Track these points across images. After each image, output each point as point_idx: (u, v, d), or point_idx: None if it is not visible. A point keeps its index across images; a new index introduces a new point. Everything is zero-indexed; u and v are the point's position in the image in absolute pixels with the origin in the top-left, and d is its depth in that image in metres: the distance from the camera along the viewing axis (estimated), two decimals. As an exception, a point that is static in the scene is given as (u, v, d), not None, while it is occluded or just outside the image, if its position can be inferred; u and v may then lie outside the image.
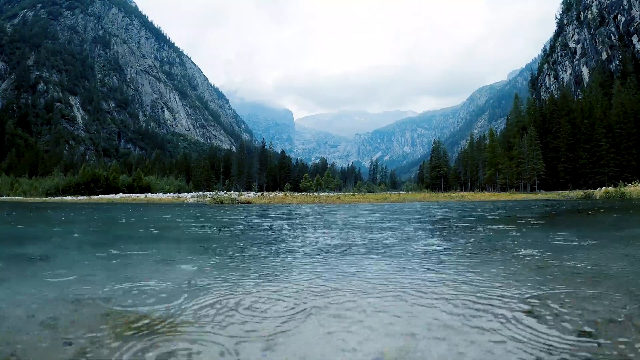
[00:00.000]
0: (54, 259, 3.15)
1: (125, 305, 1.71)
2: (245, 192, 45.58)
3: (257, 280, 2.23)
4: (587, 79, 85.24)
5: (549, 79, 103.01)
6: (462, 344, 1.24)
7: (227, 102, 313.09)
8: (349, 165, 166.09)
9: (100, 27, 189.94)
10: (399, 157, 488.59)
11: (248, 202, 21.13)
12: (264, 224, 7.07)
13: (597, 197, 21.23)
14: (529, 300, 1.73)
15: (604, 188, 25.37)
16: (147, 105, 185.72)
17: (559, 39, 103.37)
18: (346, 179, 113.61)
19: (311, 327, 1.41)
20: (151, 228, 6.43)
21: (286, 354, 1.18)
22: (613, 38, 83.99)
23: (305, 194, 43.48)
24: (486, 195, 33.51)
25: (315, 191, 57.84)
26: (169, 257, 3.18)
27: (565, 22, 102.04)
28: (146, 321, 1.48)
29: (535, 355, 1.15)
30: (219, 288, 2.03)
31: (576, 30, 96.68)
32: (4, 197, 46.64)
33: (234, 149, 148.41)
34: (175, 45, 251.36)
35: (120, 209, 15.02)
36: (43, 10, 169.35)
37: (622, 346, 1.20)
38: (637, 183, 26.31)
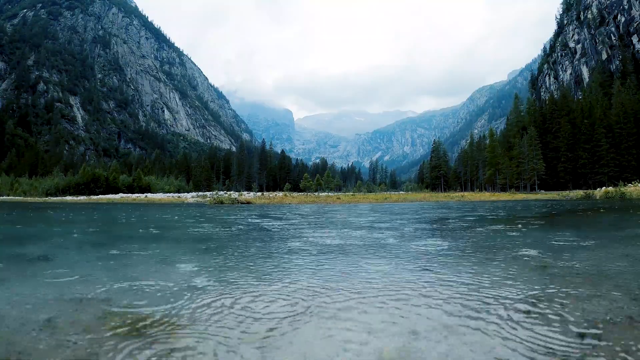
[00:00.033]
0: (54, 259, 3.15)
1: (125, 306, 1.71)
2: (245, 192, 45.58)
3: (257, 280, 2.23)
4: (587, 79, 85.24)
5: (549, 79, 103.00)
6: (462, 344, 1.24)
7: (227, 102, 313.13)
8: (349, 165, 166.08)
9: (100, 27, 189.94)
10: (399, 157, 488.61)
11: (248, 202, 21.13)
12: (264, 224, 7.07)
13: (597, 197, 21.23)
14: (528, 300, 1.73)
15: (604, 188, 25.37)
16: (147, 105, 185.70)
17: (559, 39, 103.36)
18: (346, 179, 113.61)
19: (311, 327, 1.41)
20: (151, 228, 6.43)
21: (286, 354, 1.18)
22: (613, 38, 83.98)
23: (305, 194, 43.48)
24: (486, 195, 33.52)
25: (315, 191, 57.84)
26: (168, 257, 3.18)
27: (565, 22, 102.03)
28: (146, 321, 1.48)
29: (535, 355, 1.15)
30: (219, 288, 2.03)
31: (576, 30, 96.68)
32: (4, 197, 46.64)
33: (234, 149, 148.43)
34: (175, 45, 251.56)
35: (120, 209, 15.01)
36: (43, 10, 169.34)
37: (622, 346, 1.20)
38: (637, 183, 26.31)
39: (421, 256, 3.07)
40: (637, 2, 78.99)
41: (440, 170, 74.65)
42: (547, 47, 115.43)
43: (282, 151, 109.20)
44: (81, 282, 2.21)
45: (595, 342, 1.24)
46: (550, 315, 1.50)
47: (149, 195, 40.83)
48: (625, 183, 29.29)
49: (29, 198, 43.80)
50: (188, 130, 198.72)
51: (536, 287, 1.97)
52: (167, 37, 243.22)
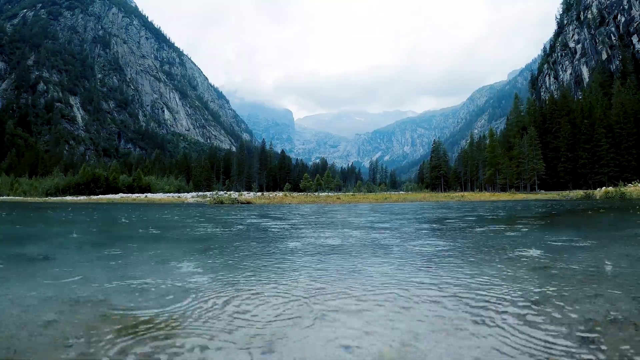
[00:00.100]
0: (54, 259, 3.15)
1: (125, 306, 1.71)
2: (245, 192, 45.58)
3: (257, 281, 2.23)
4: (587, 79, 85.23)
5: (549, 79, 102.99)
6: (462, 344, 1.24)
7: (227, 102, 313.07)
8: (349, 165, 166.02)
9: (100, 27, 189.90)
10: (399, 157, 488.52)
11: (248, 202, 21.14)
12: (264, 224, 7.07)
13: (597, 197, 21.23)
14: (528, 300, 1.73)
15: (604, 188, 25.37)
16: (147, 105, 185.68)
17: (559, 39, 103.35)
18: (346, 179, 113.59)
19: (311, 327, 1.42)
20: (151, 228, 6.43)
21: (286, 354, 1.18)
22: (613, 38, 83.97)
23: (305, 194, 43.48)
24: (486, 195, 33.52)
25: (315, 191, 57.83)
26: (168, 257, 3.18)
27: (565, 22, 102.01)
28: (145, 321, 1.48)
29: (535, 355, 1.15)
30: (219, 288, 2.03)
31: (576, 30, 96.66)
32: (4, 197, 46.63)
33: (234, 149, 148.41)
34: (175, 45, 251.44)
35: (120, 209, 15.02)
36: (43, 10, 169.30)
37: (622, 346, 1.20)
38: (637, 183, 26.30)
39: (421, 256, 3.07)
40: (637, 2, 78.98)
41: (440, 170, 74.64)
42: (547, 47, 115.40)
43: (282, 151, 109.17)
44: (81, 282, 2.21)
45: (595, 342, 1.24)
46: (550, 315, 1.50)
47: (149, 195, 40.83)
48: (625, 183, 29.29)
49: (29, 198, 43.80)
50: (188, 130, 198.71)
51: (536, 287, 1.97)
52: (167, 37, 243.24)
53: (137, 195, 40.88)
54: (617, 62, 78.63)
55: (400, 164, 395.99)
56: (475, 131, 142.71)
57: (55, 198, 42.09)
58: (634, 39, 78.72)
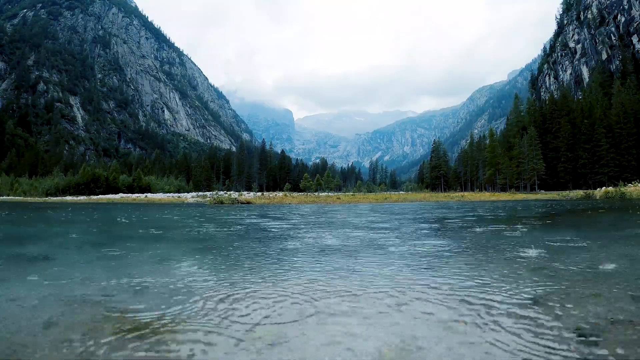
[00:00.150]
0: (53, 259, 3.15)
1: (125, 305, 1.71)
2: (245, 192, 45.58)
3: (257, 281, 2.23)
4: (587, 79, 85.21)
5: (549, 79, 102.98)
6: (462, 344, 1.24)
7: (227, 102, 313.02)
8: (349, 165, 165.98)
9: (100, 27, 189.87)
10: (399, 157, 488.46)
11: (248, 202, 21.14)
12: (264, 224, 7.07)
13: (597, 197, 21.23)
14: (528, 300, 1.73)
15: (604, 188, 25.37)
16: (147, 105, 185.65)
17: (559, 39, 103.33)
18: (346, 179, 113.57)
19: (311, 327, 1.42)
20: (151, 228, 6.43)
21: (285, 354, 1.18)
22: (613, 38, 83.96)
23: (305, 194, 43.48)
24: (486, 195, 33.52)
25: (315, 191, 57.83)
26: (168, 257, 3.18)
27: (565, 22, 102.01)
28: (145, 321, 1.48)
29: (535, 355, 1.15)
30: (219, 288, 2.03)
31: (576, 30, 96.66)
32: (4, 197, 46.63)
33: (234, 149, 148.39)
34: (175, 45, 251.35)
35: (120, 209, 15.02)
36: (43, 10, 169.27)
37: (622, 346, 1.20)
38: (637, 183, 26.30)
39: (421, 256, 3.07)
40: (637, 2, 78.97)
41: (440, 170, 74.64)
42: (547, 47, 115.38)
43: (282, 151, 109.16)
44: (81, 282, 2.21)
45: (595, 342, 1.24)
46: (550, 315, 1.50)
47: (149, 195, 40.83)
48: (625, 183, 29.28)
49: (29, 198, 43.80)
50: (188, 130, 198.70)
51: (536, 287, 1.97)
52: (167, 37, 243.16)
53: (137, 195, 40.89)
54: (617, 62, 78.63)
55: (400, 164, 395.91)
56: (475, 131, 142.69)
57: (55, 198, 42.09)
58: (634, 39, 78.72)
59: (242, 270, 2.58)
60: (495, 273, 2.34)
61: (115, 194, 45.24)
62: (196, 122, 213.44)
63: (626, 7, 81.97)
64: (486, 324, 1.41)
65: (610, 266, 2.50)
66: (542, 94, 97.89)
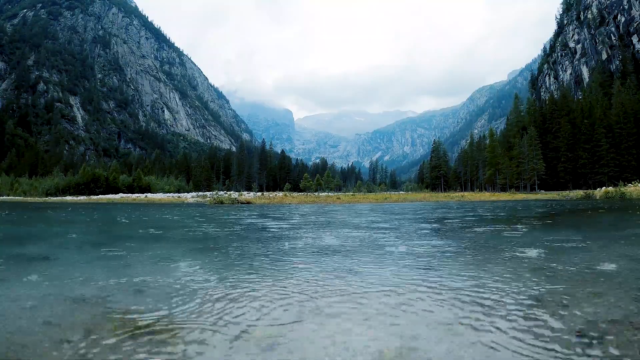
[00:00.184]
0: (53, 259, 3.15)
1: (125, 305, 1.71)
2: (245, 192, 45.58)
3: (256, 281, 2.23)
4: (587, 79, 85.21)
5: (549, 79, 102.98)
6: (462, 344, 1.24)
7: (227, 102, 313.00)
8: (349, 165, 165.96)
9: (100, 27, 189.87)
10: (399, 157, 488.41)
11: (248, 202, 21.14)
12: (264, 224, 7.07)
13: (597, 197, 21.23)
14: (528, 300, 1.73)
15: (604, 188, 25.37)
16: (147, 105, 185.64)
17: (559, 39, 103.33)
18: (346, 179, 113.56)
19: (310, 327, 1.42)
20: (151, 228, 6.43)
21: (285, 354, 1.18)
22: (613, 38, 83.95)
23: (305, 194, 43.48)
24: (486, 195, 33.52)
25: (315, 191, 57.83)
26: (168, 257, 3.18)
27: (565, 22, 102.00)
28: (145, 321, 1.48)
29: (535, 355, 1.15)
30: (219, 288, 2.03)
31: (576, 30, 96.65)
32: (4, 197, 46.63)
33: (234, 149, 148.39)
34: (175, 45, 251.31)
35: (120, 209, 15.02)
36: (43, 10, 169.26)
37: (622, 346, 1.20)
38: (637, 183, 26.30)
39: (421, 256, 3.07)
40: (637, 2, 78.97)
41: (440, 170, 74.63)
42: (547, 47, 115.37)
43: (282, 151, 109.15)
44: (81, 282, 2.21)
45: (595, 342, 1.24)
46: (550, 315, 1.50)
47: (149, 195, 40.83)
48: (625, 183, 29.28)
49: (29, 198, 43.80)
50: (188, 130, 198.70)
51: (536, 287, 1.97)
52: (167, 37, 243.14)
53: (137, 195, 40.89)
54: (617, 62, 78.62)
55: (400, 164, 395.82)
56: (475, 131, 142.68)
57: (55, 198, 42.09)
58: (634, 39, 78.71)
59: (242, 270, 2.58)
60: (495, 273, 2.34)
61: (115, 194, 45.24)
62: (196, 122, 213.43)
63: (626, 7, 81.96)
64: (486, 325, 1.41)
65: (610, 266, 2.50)
66: (542, 94, 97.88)
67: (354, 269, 2.56)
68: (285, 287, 2.04)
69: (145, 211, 13.51)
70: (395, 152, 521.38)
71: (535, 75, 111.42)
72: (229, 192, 39.96)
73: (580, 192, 27.45)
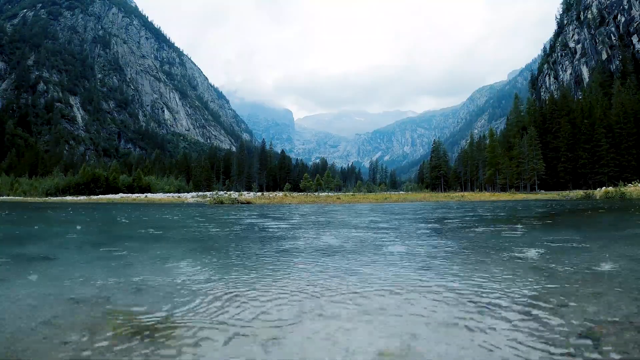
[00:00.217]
0: (53, 259, 3.15)
1: (125, 305, 1.71)
2: (245, 192, 45.58)
3: (256, 280, 2.23)
4: (587, 79, 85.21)
5: (549, 79, 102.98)
6: (462, 344, 1.24)
7: (227, 102, 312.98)
8: (349, 165, 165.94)
9: (100, 27, 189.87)
10: (399, 157, 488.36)
11: (248, 202, 21.14)
12: (264, 224, 7.07)
13: (597, 197, 21.23)
14: (528, 300, 1.73)
15: (604, 188, 25.37)
16: (147, 105, 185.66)
17: (559, 39, 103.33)
18: (346, 179, 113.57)
19: (310, 326, 1.42)
20: (151, 228, 6.43)
21: (285, 354, 1.18)
22: (613, 38, 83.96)
23: (305, 194, 43.48)
24: (486, 195, 33.51)
25: (315, 191, 57.83)
26: (168, 257, 3.18)
27: (565, 22, 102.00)
28: (145, 321, 1.48)
29: (535, 355, 1.15)
30: (218, 288, 2.03)
31: (576, 30, 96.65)
32: (4, 197, 46.63)
33: (234, 149, 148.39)
34: (175, 45, 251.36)
35: (120, 209, 15.01)
36: (43, 10, 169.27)
37: (622, 346, 1.20)
38: (637, 183, 26.30)
39: (421, 257, 3.07)
40: (637, 2, 78.96)
41: (440, 170, 74.64)
42: (547, 47, 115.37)
43: (282, 151, 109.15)
44: (81, 282, 2.21)
45: (595, 342, 1.24)
46: (549, 315, 1.50)
47: (149, 195, 40.84)
48: (625, 183, 29.28)
49: (29, 198, 43.80)
50: (188, 130, 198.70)
51: (536, 287, 1.97)
52: (167, 37, 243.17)
53: (137, 195, 40.89)
54: (617, 62, 78.61)
55: (400, 164, 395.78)
56: (475, 131, 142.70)
57: (55, 198, 42.09)
58: (634, 39, 78.71)
59: (242, 270, 2.58)
60: (494, 273, 2.34)
61: (115, 194, 45.24)
62: (196, 122, 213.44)
63: (626, 7, 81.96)
64: (486, 325, 1.41)
65: (610, 266, 2.50)
66: (542, 94, 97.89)
67: (354, 269, 2.56)
68: (285, 287, 2.04)
69: (145, 211, 13.51)
70: (395, 152, 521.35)
71: (535, 75, 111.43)
72: (229, 192, 39.96)
73: (580, 192, 27.44)
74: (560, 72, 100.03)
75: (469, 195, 32.26)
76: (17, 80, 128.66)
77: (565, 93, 64.88)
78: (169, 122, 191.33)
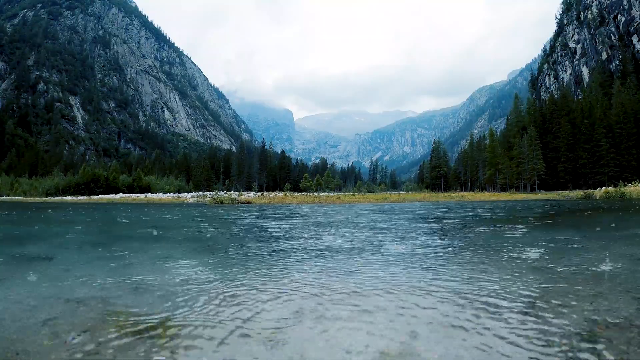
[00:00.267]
0: (53, 259, 3.15)
1: (125, 305, 1.71)
2: (245, 192, 45.58)
3: (256, 280, 2.23)
4: (587, 79, 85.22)
5: (549, 79, 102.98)
6: (461, 344, 1.24)
7: (227, 102, 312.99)
8: (349, 165, 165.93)
9: (100, 27, 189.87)
10: (399, 157, 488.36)
11: (248, 202, 21.13)
12: (264, 224, 7.07)
13: (597, 197, 21.23)
14: (528, 300, 1.73)
15: (604, 188, 25.37)
16: (147, 105, 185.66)
17: (559, 39, 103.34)
18: (346, 179, 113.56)
19: (310, 326, 1.42)
20: (151, 228, 6.43)
21: (285, 354, 1.18)
22: (613, 38, 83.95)
23: (305, 194, 43.47)
24: (486, 195, 33.51)
25: (315, 191, 57.82)
26: (168, 257, 3.18)
27: (565, 22, 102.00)
28: (145, 321, 1.48)
29: (534, 355, 1.15)
30: (218, 288, 2.03)
31: (576, 30, 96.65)
32: (4, 197, 46.63)
33: (234, 149, 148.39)
34: (175, 45, 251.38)
35: (120, 209, 15.01)
36: (43, 10, 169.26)
37: (622, 346, 1.20)
38: (637, 183, 26.30)
39: (420, 257, 3.07)
40: (637, 2, 78.96)
41: (440, 170, 74.63)
42: (547, 47, 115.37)
43: (282, 151, 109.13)
44: (81, 282, 2.21)
45: (595, 342, 1.23)
46: (549, 315, 1.50)
47: (149, 195, 40.83)
48: (625, 183, 29.28)
49: (29, 198, 43.79)
50: (188, 130, 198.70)
51: (536, 287, 1.97)
52: (167, 37, 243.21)
53: (137, 195, 40.89)
54: (617, 62, 78.62)
55: (400, 164, 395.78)
56: (475, 131, 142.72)
57: (55, 198, 42.08)
58: (634, 39, 78.71)
59: (242, 270, 2.58)
60: (494, 273, 2.34)
61: (115, 194, 45.24)
62: (196, 122, 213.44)
63: (626, 7, 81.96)
64: (486, 325, 1.41)
65: (610, 266, 2.49)
66: (542, 94, 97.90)
67: (354, 269, 2.56)
68: (285, 287, 2.04)
69: (145, 211, 13.51)
70: (395, 152, 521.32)
71: (535, 75, 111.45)
72: (229, 192, 39.96)
73: (580, 192, 27.44)
74: (560, 72, 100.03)
75: (469, 195, 32.25)
76: (17, 80, 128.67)
77: (565, 93, 64.87)
78: (169, 122, 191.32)
